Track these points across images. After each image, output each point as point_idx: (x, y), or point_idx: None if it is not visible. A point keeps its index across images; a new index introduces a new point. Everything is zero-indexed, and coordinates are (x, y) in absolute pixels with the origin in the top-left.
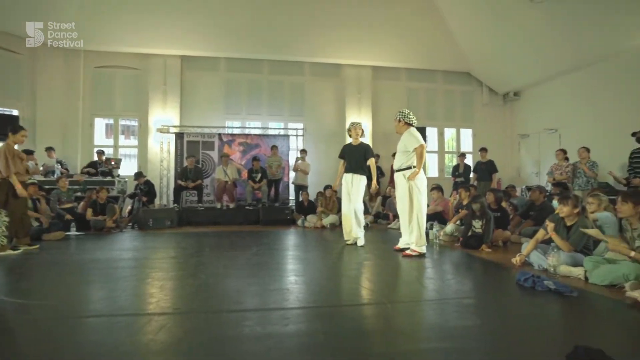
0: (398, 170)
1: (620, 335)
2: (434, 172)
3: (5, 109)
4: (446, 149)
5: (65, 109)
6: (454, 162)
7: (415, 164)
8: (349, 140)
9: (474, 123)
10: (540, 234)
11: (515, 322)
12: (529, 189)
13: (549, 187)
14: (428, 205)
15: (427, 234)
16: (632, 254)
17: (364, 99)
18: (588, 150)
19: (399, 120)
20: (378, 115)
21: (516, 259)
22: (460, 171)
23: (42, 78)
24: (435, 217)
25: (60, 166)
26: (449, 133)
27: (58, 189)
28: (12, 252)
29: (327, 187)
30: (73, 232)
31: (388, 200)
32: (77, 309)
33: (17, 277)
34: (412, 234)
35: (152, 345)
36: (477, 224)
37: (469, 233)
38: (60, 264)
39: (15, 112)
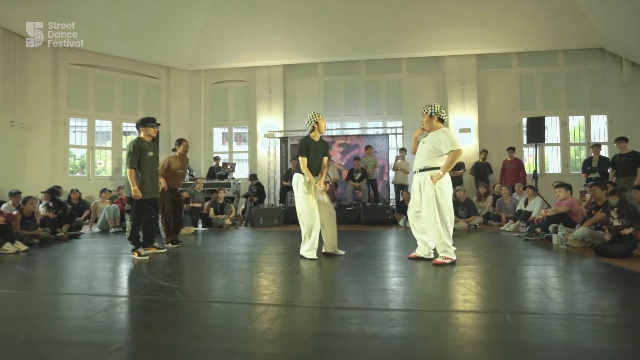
0: (423, 170)
1: None
2: (556, 167)
3: None
4: (571, 141)
5: (191, 121)
6: (582, 155)
7: (441, 166)
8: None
9: (609, 108)
10: None
11: None
12: None
13: None
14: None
15: (550, 238)
16: None
17: (467, 91)
18: None
19: (430, 115)
20: (485, 108)
21: None
22: (593, 165)
23: (174, 97)
24: (561, 219)
25: (189, 171)
26: (575, 122)
27: (193, 189)
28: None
29: None
30: (200, 228)
31: (499, 200)
32: (205, 294)
33: (163, 264)
34: (439, 239)
35: (269, 334)
36: (615, 221)
37: (608, 236)
38: (192, 255)
39: None
